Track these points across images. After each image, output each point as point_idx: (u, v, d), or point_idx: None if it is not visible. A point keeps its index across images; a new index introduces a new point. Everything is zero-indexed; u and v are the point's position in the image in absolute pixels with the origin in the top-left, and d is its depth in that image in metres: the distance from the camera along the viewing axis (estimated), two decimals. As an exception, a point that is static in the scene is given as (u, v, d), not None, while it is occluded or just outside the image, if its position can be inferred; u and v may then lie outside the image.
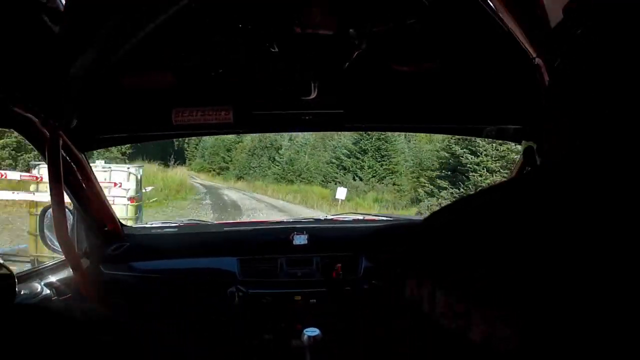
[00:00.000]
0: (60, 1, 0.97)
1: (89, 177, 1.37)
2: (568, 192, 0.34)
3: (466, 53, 1.22)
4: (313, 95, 1.30)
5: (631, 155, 0.33)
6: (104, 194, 1.48)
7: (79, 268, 1.25)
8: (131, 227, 1.69)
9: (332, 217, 1.94)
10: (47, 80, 1.09)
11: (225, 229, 1.83)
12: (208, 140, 26.69)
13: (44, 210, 1.41)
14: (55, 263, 1.37)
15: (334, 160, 18.66)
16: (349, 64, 1.19)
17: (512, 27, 0.96)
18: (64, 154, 1.22)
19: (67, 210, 1.30)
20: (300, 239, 1.48)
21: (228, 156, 25.86)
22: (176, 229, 1.75)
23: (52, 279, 1.30)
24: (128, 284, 1.40)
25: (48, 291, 1.24)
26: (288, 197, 14.57)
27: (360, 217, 1.92)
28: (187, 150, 29.68)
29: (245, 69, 1.29)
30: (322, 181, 18.56)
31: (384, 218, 1.90)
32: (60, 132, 1.16)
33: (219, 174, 24.95)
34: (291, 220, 1.84)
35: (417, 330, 0.37)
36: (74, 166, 1.31)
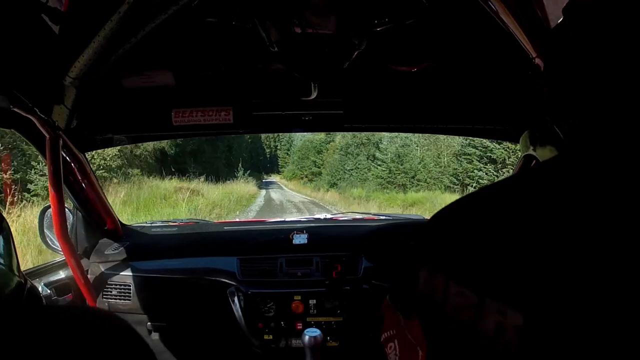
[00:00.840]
0: (61, 1, 0.97)
1: (89, 177, 1.37)
2: (569, 189, 0.34)
3: (466, 54, 1.22)
4: (313, 96, 1.30)
5: (629, 153, 0.33)
6: (104, 194, 1.48)
7: (79, 268, 1.25)
8: (131, 226, 1.69)
9: (332, 216, 1.94)
10: (47, 81, 1.09)
11: (225, 228, 1.82)
12: (297, 142, 23.94)
13: (44, 210, 1.41)
14: (55, 263, 1.37)
15: (470, 150, 11.93)
16: (349, 64, 1.19)
17: (512, 27, 0.96)
18: (64, 154, 1.22)
19: (67, 210, 1.30)
20: (300, 239, 1.48)
21: (319, 159, 21.40)
22: (176, 229, 1.74)
23: (52, 278, 1.30)
24: (128, 284, 1.40)
25: (48, 291, 1.24)
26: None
27: (360, 217, 1.92)
28: (279, 157, 26.34)
29: (245, 69, 1.29)
30: (453, 184, 11.90)
31: (384, 217, 1.90)
32: (60, 132, 1.16)
33: (310, 180, 20.17)
34: (291, 219, 1.84)
35: (429, 322, 0.37)
36: (74, 166, 1.31)
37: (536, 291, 0.30)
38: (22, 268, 0.56)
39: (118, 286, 1.40)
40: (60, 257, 1.35)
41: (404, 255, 0.42)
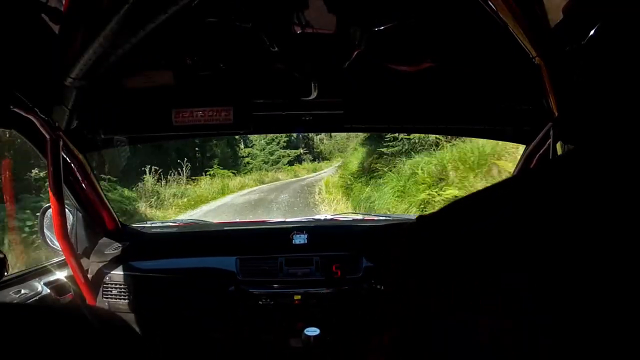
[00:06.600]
0: (61, 1, 0.97)
1: (89, 177, 1.37)
2: (570, 191, 0.34)
3: (466, 53, 1.22)
4: (313, 96, 1.30)
5: (632, 153, 0.33)
6: (104, 194, 1.48)
7: (79, 268, 1.25)
8: (131, 226, 1.69)
9: (332, 216, 1.94)
10: (48, 81, 1.09)
11: (225, 228, 1.83)
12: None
13: (44, 210, 1.41)
14: (55, 263, 1.37)
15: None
16: (349, 63, 1.19)
17: (512, 27, 0.96)
18: (64, 155, 1.22)
19: (67, 210, 1.30)
20: (300, 239, 1.48)
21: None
22: (176, 229, 1.75)
23: (52, 278, 1.30)
24: (128, 284, 1.40)
25: (48, 291, 1.24)
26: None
27: (360, 217, 1.92)
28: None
29: (245, 69, 1.29)
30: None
31: (384, 218, 1.90)
32: (61, 132, 1.16)
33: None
34: (291, 220, 1.84)
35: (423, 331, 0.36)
36: (74, 166, 1.31)
37: (532, 302, 0.30)
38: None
39: (118, 286, 1.40)
40: (60, 257, 1.35)
41: (393, 259, 0.41)
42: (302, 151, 24.05)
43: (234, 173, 14.73)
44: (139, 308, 1.40)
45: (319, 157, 26.23)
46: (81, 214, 1.45)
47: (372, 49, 1.17)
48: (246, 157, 21.07)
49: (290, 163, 21.99)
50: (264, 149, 21.62)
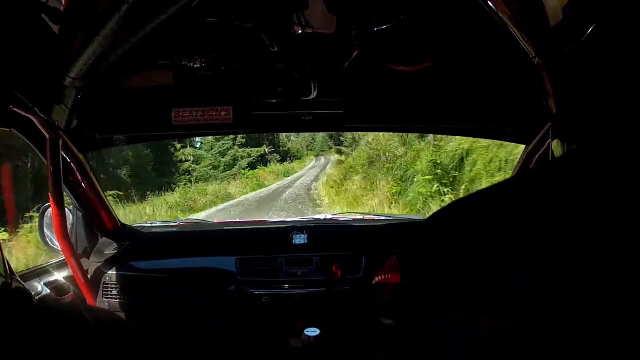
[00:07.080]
0: (60, 1, 0.97)
1: (89, 177, 1.38)
2: (570, 192, 0.34)
3: (466, 53, 1.22)
4: (313, 96, 1.30)
5: (632, 153, 0.33)
6: (104, 194, 1.48)
7: (79, 268, 1.25)
8: (131, 226, 1.69)
9: (332, 216, 1.94)
10: (47, 81, 1.10)
11: (225, 228, 1.83)
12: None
13: (44, 210, 1.41)
14: (55, 263, 1.37)
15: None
16: (349, 63, 1.19)
17: (512, 27, 0.96)
18: (64, 155, 1.22)
19: (67, 210, 1.30)
20: (300, 239, 1.48)
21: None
22: (176, 229, 1.75)
23: (52, 278, 1.30)
24: (128, 284, 1.40)
25: (48, 291, 1.24)
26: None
27: (360, 217, 1.92)
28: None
29: (245, 68, 1.29)
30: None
31: (384, 218, 1.90)
32: (60, 132, 1.16)
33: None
34: (291, 220, 1.84)
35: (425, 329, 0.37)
36: (73, 166, 1.31)
37: (532, 302, 0.30)
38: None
39: (118, 286, 1.40)
40: (60, 257, 1.35)
41: (397, 259, 0.41)
42: (267, 149, 18.68)
43: (116, 198, 8.46)
44: (139, 308, 1.40)
45: (287, 156, 21.30)
46: (81, 213, 1.45)
47: (372, 49, 1.17)
48: (185, 161, 14.19)
49: (252, 166, 16.03)
50: (212, 148, 15.25)
